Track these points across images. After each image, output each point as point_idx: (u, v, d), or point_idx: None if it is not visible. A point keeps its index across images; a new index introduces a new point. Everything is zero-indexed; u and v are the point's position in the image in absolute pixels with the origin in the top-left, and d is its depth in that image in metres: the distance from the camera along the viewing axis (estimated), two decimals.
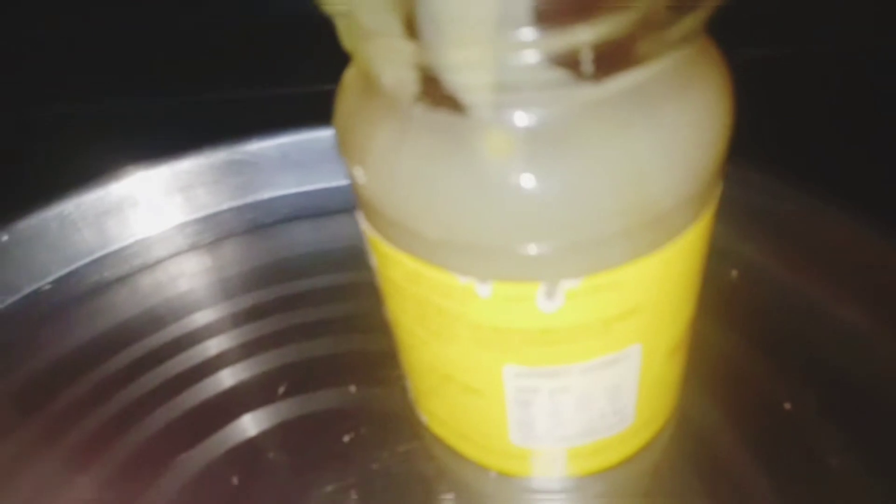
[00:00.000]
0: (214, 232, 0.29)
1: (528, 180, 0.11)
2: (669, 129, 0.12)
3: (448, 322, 0.14)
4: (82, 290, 0.28)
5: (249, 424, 0.22)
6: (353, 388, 0.23)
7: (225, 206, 0.30)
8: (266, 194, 0.30)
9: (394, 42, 0.11)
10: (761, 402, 0.21)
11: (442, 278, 0.13)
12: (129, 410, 0.23)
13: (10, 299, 0.27)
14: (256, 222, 0.30)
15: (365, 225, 0.15)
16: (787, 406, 0.21)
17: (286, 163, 0.30)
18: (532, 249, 0.12)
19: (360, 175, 0.13)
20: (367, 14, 0.11)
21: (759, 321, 0.24)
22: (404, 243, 0.13)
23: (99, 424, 0.23)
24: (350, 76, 0.14)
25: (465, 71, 0.10)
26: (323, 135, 0.30)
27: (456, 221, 0.12)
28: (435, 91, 0.11)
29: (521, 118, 0.11)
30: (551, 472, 0.17)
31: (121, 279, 0.28)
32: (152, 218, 0.29)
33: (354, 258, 0.28)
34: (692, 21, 0.11)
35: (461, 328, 0.14)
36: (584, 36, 0.10)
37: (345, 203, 0.30)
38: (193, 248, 0.29)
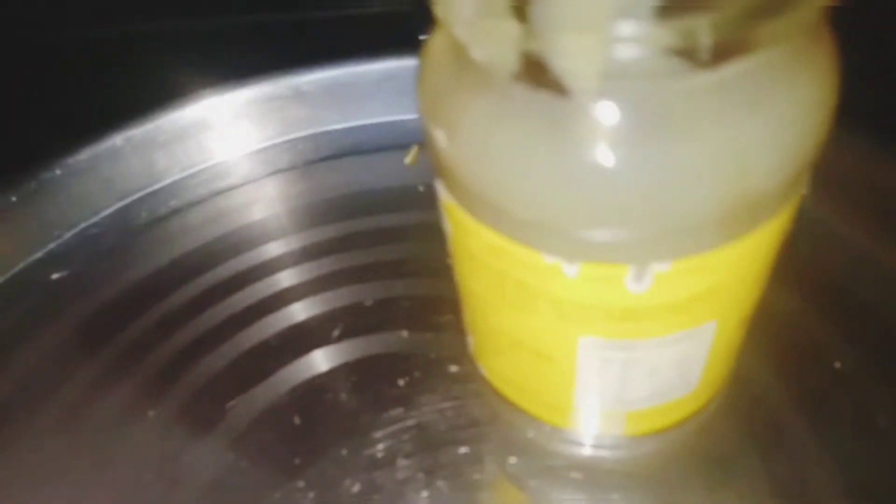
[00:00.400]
0: (264, 167, 0.29)
1: (627, 166, 0.11)
2: (775, 116, 0.11)
3: (527, 295, 0.14)
4: (138, 224, 0.28)
5: (308, 366, 0.23)
6: (405, 333, 0.24)
7: (274, 141, 0.30)
8: (314, 129, 0.30)
9: (500, 24, 0.10)
10: (812, 361, 0.21)
11: (527, 256, 0.13)
12: (192, 348, 0.24)
13: (70, 232, 0.27)
14: (305, 157, 0.30)
15: (443, 192, 0.14)
16: (837, 365, 0.21)
17: (333, 96, 0.29)
18: (625, 234, 0.12)
19: (442, 139, 0.13)
20: None
21: (814, 277, 0.24)
22: (489, 218, 0.13)
23: (161, 363, 0.23)
24: (438, 41, 0.13)
25: (575, 58, 0.10)
26: (370, 68, 0.29)
27: (549, 203, 0.12)
28: (537, 73, 0.11)
29: (624, 103, 0.11)
30: (608, 430, 0.18)
31: (174, 213, 0.28)
32: (202, 152, 0.29)
33: (404, 199, 0.28)
34: (811, 6, 0.10)
35: (541, 302, 0.14)
36: (703, 25, 0.09)
37: (393, 140, 0.30)
38: (245, 182, 0.29)
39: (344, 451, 0.21)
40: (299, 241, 0.27)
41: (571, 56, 0.10)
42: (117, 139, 0.27)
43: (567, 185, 0.11)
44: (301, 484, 0.20)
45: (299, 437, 0.21)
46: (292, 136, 0.30)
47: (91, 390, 0.23)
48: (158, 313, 0.25)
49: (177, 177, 0.29)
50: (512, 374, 0.18)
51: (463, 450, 0.21)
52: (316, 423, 0.21)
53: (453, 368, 0.22)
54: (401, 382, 0.22)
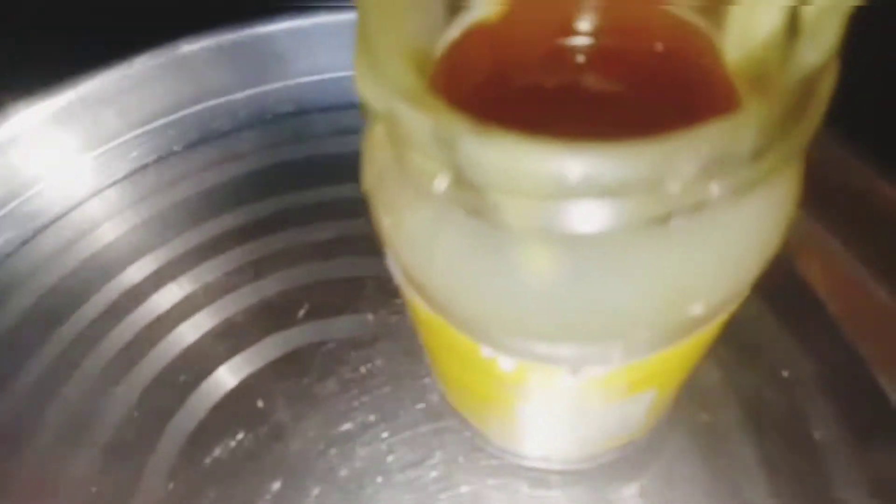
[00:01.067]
0: (225, 122, 0.28)
1: (564, 291, 0.11)
2: (727, 245, 0.11)
3: (472, 367, 0.14)
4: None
5: (271, 347, 0.23)
6: (370, 317, 0.24)
7: (237, 94, 0.28)
8: (278, 82, 0.28)
9: (433, 164, 0.09)
10: (761, 367, 0.22)
11: (467, 344, 0.13)
12: (147, 331, 0.24)
13: None
14: (268, 112, 0.28)
15: (393, 268, 0.14)
16: (785, 374, 0.22)
17: (300, 48, 0.27)
18: (562, 347, 0.12)
19: (386, 222, 0.13)
20: (412, 125, 0.09)
21: (772, 282, 0.23)
22: (433, 304, 0.13)
23: (120, 343, 0.24)
24: (380, 138, 0.12)
25: (513, 217, 0.09)
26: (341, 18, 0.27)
27: (486, 313, 0.12)
28: (475, 208, 0.10)
29: (561, 241, 0.10)
30: (557, 455, 0.19)
31: (134, 172, 0.27)
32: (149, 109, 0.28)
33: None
34: (777, 159, 0.09)
35: (485, 376, 0.14)
36: (655, 202, 0.09)
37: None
38: (202, 141, 0.28)
39: (305, 436, 0.22)
40: (256, 213, 0.26)
41: (508, 215, 0.09)
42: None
43: (502, 301, 0.11)
44: (262, 468, 0.21)
45: (261, 421, 0.22)
46: (258, 88, 0.28)
47: (53, 367, 0.23)
48: (112, 293, 0.25)
49: (129, 135, 0.28)
50: (466, 402, 0.18)
51: (420, 440, 0.21)
52: (278, 407, 0.22)
53: (414, 357, 0.23)
54: (363, 370, 0.23)
